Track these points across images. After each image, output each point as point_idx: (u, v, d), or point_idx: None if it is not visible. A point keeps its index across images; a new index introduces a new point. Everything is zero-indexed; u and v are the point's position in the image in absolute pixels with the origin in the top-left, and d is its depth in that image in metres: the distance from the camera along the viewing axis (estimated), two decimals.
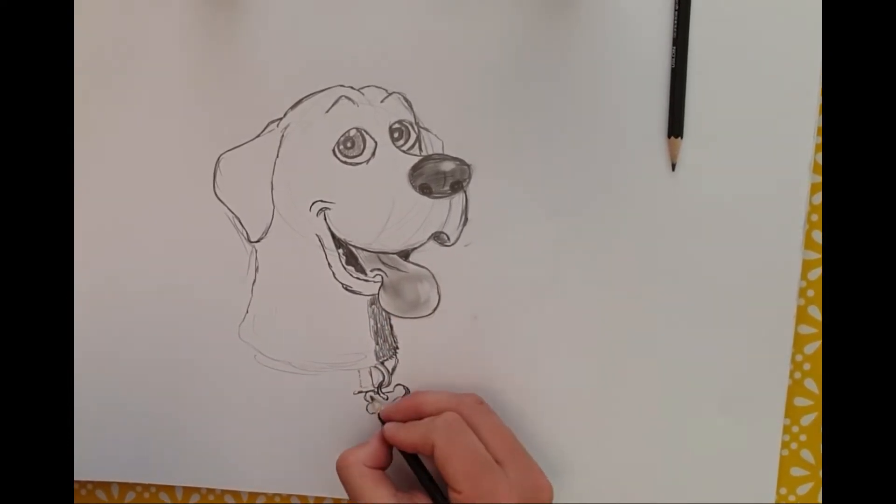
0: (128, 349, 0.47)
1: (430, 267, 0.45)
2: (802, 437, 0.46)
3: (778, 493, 0.46)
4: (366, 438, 0.45)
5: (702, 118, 0.43)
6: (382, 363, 0.46)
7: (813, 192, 0.44)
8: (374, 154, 0.45)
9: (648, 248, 0.44)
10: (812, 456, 0.46)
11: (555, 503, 0.42)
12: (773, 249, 0.44)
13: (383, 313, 0.46)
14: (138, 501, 0.50)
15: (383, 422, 0.45)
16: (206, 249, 0.46)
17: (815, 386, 0.45)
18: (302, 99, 0.45)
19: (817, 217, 0.44)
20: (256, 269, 0.46)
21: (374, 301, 0.46)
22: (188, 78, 0.45)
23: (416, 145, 0.45)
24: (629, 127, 0.44)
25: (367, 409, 0.46)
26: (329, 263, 0.46)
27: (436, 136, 0.45)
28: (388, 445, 0.44)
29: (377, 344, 0.46)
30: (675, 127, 0.43)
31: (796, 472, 0.46)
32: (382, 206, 0.45)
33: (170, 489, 0.50)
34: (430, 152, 0.45)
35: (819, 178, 0.43)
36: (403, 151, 0.45)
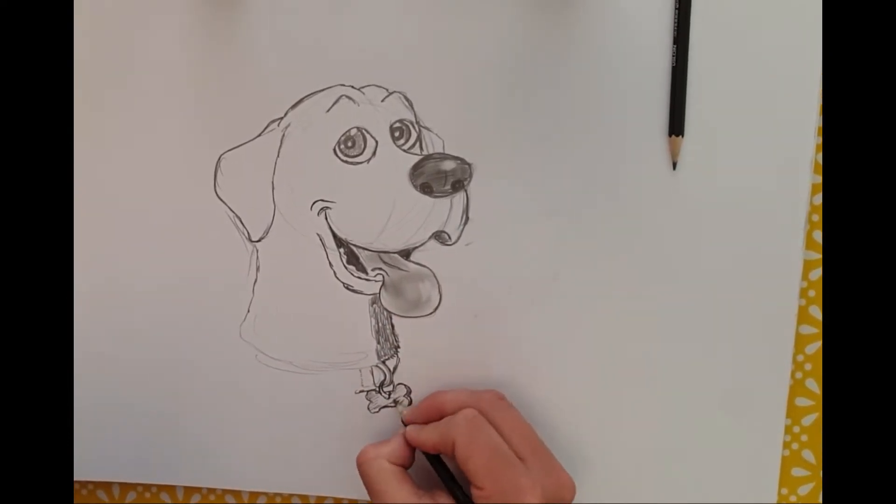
0: (128, 349, 0.47)
1: (431, 266, 0.45)
2: (804, 438, 0.46)
3: (779, 493, 0.46)
4: (366, 438, 0.45)
5: (702, 117, 0.43)
6: (384, 362, 0.46)
7: (813, 192, 0.43)
8: (374, 153, 0.45)
9: (649, 247, 0.44)
10: (813, 456, 0.46)
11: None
12: (773, 249, 0.43)
13: (384, 312, 0.46)
14: (139, 501, 0.50)
15: (405, 424, 0.45)
16: (207, 249, 0.46)
17: (816, 386, 0.45)
18: (302, 98, 0.45)
19: (818, 217, 0.44)
20: (257, 269, 0.46)
21: (376, 300, 0.46)
22: (188, 78, 0.45)
23: (417, 144, 0.45)
24: (630, 126, 0.44)
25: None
26: (330, 263, 0.46)
27: (436, 135, 0.45)
28: (410, 445, 0.43)
29: (378, 343, 0.46)
30: (676, 126, 0.43)
31: (797, 472, 0.46)
32: (383, 205, 0.45)
33: (171, 489, 0.50)
34: (431, 151, 0.45)
35: (819, 179, 0.43)
36: (404, 151, 0.45)
